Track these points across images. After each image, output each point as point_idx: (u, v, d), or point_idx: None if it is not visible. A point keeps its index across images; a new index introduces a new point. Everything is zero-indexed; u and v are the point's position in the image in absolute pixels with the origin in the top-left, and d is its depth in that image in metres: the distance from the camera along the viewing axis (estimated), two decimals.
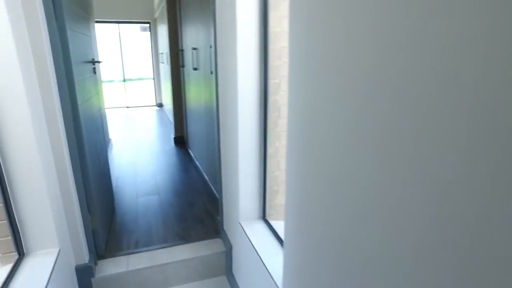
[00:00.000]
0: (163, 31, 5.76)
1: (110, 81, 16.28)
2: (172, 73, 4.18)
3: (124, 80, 7.72)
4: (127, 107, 7.64)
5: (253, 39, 1.44)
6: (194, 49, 2.95)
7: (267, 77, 1.47)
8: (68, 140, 1.53)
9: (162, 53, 6.39)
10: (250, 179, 1.62)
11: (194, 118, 3.45)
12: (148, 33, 7.38)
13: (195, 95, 3.25)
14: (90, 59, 2.16)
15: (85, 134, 1.69)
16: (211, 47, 2.28)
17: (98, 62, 2.52)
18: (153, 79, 7.59)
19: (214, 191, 2.77)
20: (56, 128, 1.44)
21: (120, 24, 7.25)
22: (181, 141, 4.44)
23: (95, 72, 2.30)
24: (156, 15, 6.70)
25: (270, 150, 1.58)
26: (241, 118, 1.52)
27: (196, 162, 3.52)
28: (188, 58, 3.32)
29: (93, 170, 1.82)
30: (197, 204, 2.60)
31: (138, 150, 4.19)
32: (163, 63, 6.39)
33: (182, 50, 3.73)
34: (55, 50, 1.43)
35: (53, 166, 1.46)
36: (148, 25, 7.28)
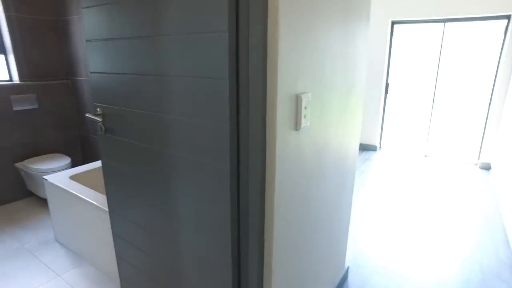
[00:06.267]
0: None
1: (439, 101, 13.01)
2: None
3: (434, 102, 4.97)
4: (425, 156, 4.87)
5: None
6: None
7: None
8: None
9: None
10: None
11: None
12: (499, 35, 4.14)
13: None
14: None
15: None
16: None
17: None
18: (487, 115, 4.31)
19: None
20: None
21: (446, 23, 4.49)
22: None
23: None
24: None
25: None
26: None
27: None
28: None
29: None
30: None
31: None
32: None
33: None
34: None
35: None
36: (506, 21, 4.03)
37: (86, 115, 1.29)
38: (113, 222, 1.52)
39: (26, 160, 2.96)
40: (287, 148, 1.04)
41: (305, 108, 1.08)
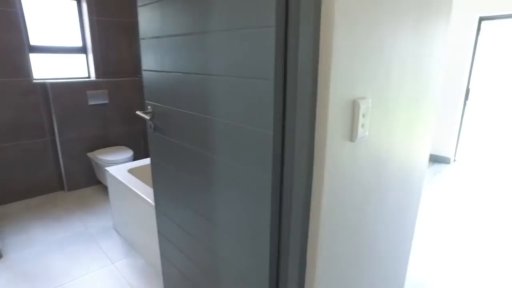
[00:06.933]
0: None
1: None
2: None
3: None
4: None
5: None
6: None
7: None
8: None
9: None
10: None
11: None
12: None
13: None
14: None
15: None
16: None
17: None
18: None
19: None
20: None
21: None
22: None
23: None
24: None
25: None
26: None
27: None
28: None
29: None
30: None
31: None
32: None
33: None
34: None
35: None
36: None
37: (137, 112, 1.30)
38: (158, 220, 1.52)
39: (96, 151, 3.22)
40: (340, 160, 0.91)
41: (363, 116, 0.93)
